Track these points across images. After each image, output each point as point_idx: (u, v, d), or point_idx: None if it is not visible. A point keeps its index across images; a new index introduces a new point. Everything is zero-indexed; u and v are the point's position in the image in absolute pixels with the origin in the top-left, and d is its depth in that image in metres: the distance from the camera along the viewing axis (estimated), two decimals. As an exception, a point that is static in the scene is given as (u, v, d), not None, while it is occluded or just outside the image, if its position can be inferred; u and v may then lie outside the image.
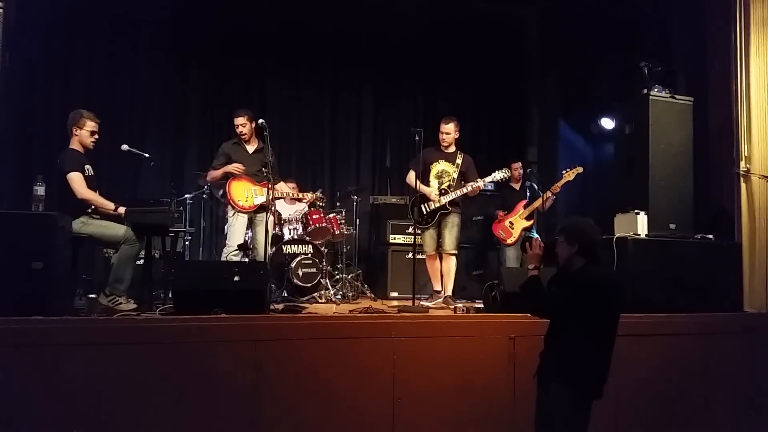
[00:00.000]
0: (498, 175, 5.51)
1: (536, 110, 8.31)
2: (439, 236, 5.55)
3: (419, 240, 5.42)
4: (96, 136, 4.48)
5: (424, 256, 5.61)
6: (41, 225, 3.71)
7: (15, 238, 3.59)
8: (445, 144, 5.56)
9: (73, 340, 3.40)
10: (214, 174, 5.29)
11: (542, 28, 8.19)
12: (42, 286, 3.58)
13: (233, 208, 5.24)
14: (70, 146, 4.42)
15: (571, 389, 2.87)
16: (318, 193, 5.76)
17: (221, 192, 5.35)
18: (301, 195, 5.73)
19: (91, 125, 4.41)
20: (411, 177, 5.52)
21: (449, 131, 5.52)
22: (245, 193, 5.27)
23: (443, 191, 5.44)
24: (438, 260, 5.59)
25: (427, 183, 5.48)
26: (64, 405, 3.31)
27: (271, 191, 5.02)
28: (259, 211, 5.36)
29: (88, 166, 4.41)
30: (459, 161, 5.54)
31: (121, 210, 4.28)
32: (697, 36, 5.82)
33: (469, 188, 5.45)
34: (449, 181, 5.51)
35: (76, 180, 4.22)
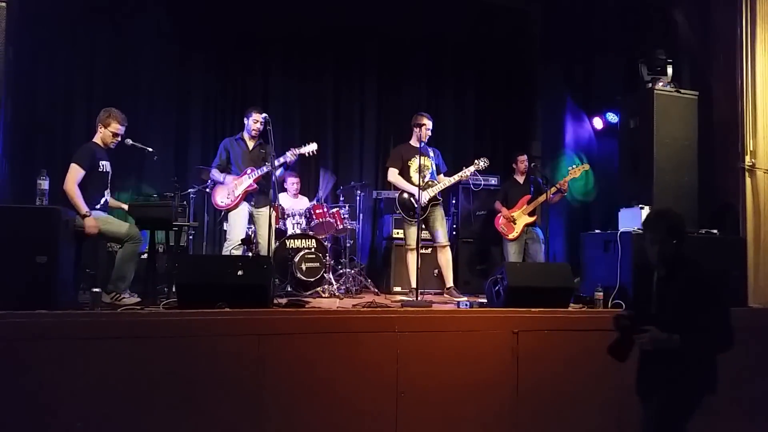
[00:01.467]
0: (481, 163, 5.62)
1: (540, 104, 8.27)
2: (429, 230, 5.63)
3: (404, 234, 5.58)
4: (118, 139, 4.61)
5: (407, 249, 5.64)
6: (45, 219, 3.71)
7: (19, 232, 3.60)
8: (425, 139, 5.61)
9: (77, 334, 3.41)
10: (215, 178, 5.44)
11: (546, 22, 8.15)
12: (46, 280, 3.60)
13: (217, 208, 5.45)
14: (93, 140, 4.55)
15: (699, 392, 2.73)
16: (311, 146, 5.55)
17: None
18: (290, 153, 5.44)
19: (115, 127, 4.54)
20: (393, 175, 5.61)
21: (431, 127, 5.66)
22: (225, 190, 5.34)
23: (428, 184, 5.52)
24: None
25: (409, 178, 5.57)
26: (67, 398, 3.32)
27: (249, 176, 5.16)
28: (261, 205, 5.38)
29: (104, 162, 4.51)
30: (432, 154, 5.69)
31: (89, 222, 4.20)
32: (702, 30, 5.79)
33: (456, 178, 5.60)
34: (429, 174, 5.60)
35: (72, 171, 4.29)
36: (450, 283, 5.54)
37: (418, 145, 5.57)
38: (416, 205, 5.39)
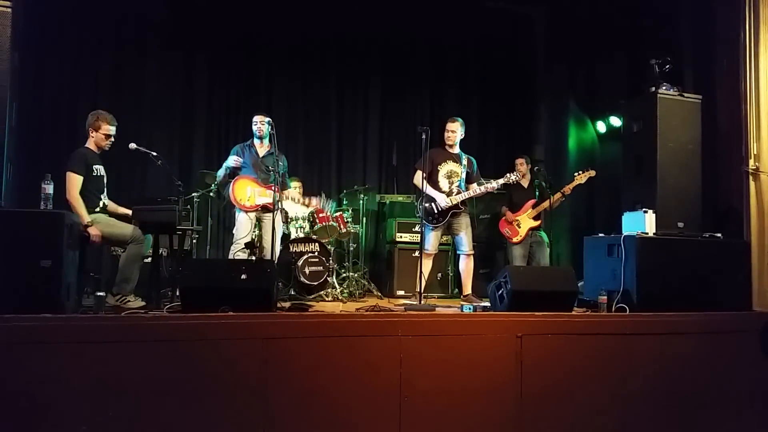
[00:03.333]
0: (512, 177, 5.53)
1: (543, 108, 8.28)
2: (453, 237, 5.59)
3: (422, 238, 5.43)
4: (112, 140, 4.60)
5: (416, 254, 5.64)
6: (50, 223, 3.72)
7: (24, 236, 3.61)
8: (450, 142, 5.58)
9: (82, 338, 3.42)
10: (222, 173, 5.44)
11: (550, 25, 8.16)
12: (50, 284, 3.60)
13: (236, 206, 5.36)
14: (86, 145, 4.55)
15: None
16: (320, 199, 5.69)
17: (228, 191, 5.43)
18: (305, 200, 5.66)
19: (106, 128, 4.53)
20: (417, 178, 5.52)
21: (454, 129, 5.57)
22: (248, 192, 5.33)
23: (452, 191, 5.46)
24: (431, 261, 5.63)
25: (436, 183, 5.49)
26: (71, 402, 3.33)
27: (277, 193, 5.04)
28: (265, 210, 5.39)
29: (97, 167, 4.51)
30: (464, 162, 5.59)
31: (92, 230, 4.24)
32: (705, 34, 5.78)
33: (482, 189, 5.47)
34: (458, 181, 5.52)
35: (71, 180, 4.30)
36: (468, 291, 5.52)
37: (451, 151, 5.58)
38: (436, 211, 5.39)
